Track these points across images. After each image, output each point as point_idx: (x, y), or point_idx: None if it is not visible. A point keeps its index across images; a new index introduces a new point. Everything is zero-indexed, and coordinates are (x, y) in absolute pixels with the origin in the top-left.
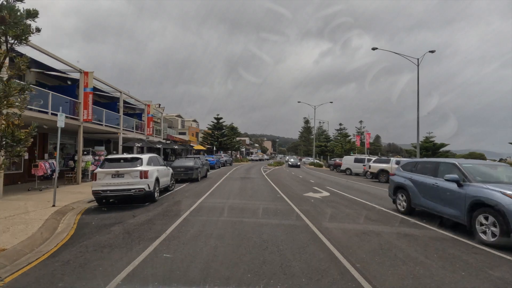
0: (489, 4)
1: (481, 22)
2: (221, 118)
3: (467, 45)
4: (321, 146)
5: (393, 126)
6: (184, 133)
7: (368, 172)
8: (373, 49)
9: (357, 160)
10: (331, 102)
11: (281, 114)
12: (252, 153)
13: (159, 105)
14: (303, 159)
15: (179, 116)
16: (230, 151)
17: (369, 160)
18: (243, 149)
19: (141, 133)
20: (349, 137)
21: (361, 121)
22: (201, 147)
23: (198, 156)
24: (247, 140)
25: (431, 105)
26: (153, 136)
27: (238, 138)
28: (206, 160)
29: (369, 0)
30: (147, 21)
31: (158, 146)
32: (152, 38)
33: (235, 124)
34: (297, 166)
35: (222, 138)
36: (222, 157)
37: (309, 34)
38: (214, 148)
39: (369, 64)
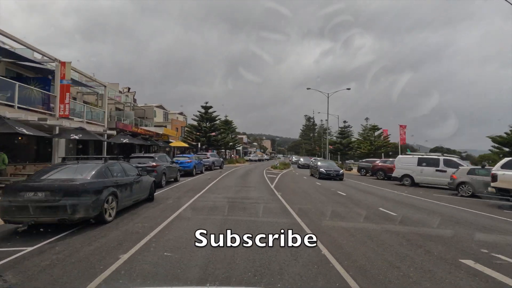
0: (489, 4)
1: (482, 22)
2: (210, 107)
3: (467, 45)
4: (335, 144)
5: (393, 125)
6: (163, 126)
7: (489, 188)
8: None
9: (424, 162)
10: (349, 89)
11: (280, 114)
12: (250, 153)
13: (128, 89)
14: (312, 160)
15: (160, 107)
16: (223, 150)
17: (447, 163)
18: (240, 148)
19: (45, 113)
20: (380, 130)
21: (367, 118)
22: (182, 144)
23: (150, 156)
24: (245, 138)
25: (431, 105)
26: (81, 121)
27: (233, 135)
28: (173, 162)
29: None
30: (148, 20)
31: (74, 136)
32: (153, 37)
33: (233, 121)
34: (338, 177)
35: (212, 133)
36: (208, 157)
37: (309, 34)
38: (199, 145)
39: (369, 63)
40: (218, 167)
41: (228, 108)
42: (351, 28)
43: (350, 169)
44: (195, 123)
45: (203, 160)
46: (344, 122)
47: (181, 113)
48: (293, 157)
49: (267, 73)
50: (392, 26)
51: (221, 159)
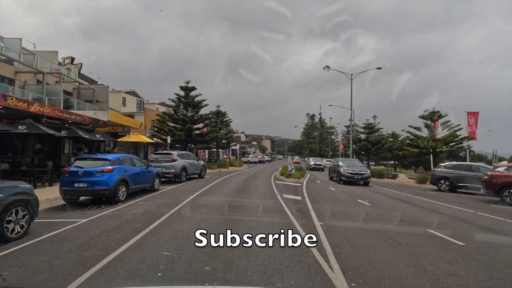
0: (490, 4)
1: (484, 23)
2: (193, 88)
3: (468, 45)
4: (361, 141)
5: (394, 125)
6: (128, 116)
7: None
8: None
9: None
10: (379, 68)
11: (279, 114)
12: (249, 153)
13: (72, 59)
14: (324, 161)
15: (133, 93)
16: (215, 149)
17: None
18: (237, 147)
19: None
20: (445, 119)
21: (375, 116)
22: (144, 139)
23: None
24: (243, 137)
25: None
26: None
27: (225, 131)
28: None
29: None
30: (150, 20)
31: None
32: (154, 37)
33: (227, 112)
34: None
35: (195, 124)
36: (173, 160)
37: (311, 34)
38: (169, 140)
39: (370, 63)
40: (197, 176)
41: (228, 108)
42: (352, 29)
43: (394, 176)
44: (172, 108)
45: (163, 165)
46: (350, 120)
47: (162, 103)
48: (311, 160)
49: (267, 73)
50: (393, 27)
51: (201, 162)
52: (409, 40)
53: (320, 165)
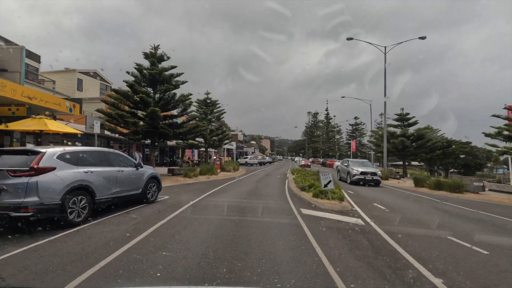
0: (491, 6)
1: (486, 24)
2: (162, 57)
3: (469, 46)
4: (396, 136)
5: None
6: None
7: None
8: None
9: None
10: (424, 37)
11: (279, 114)
12: (247, 153)
13: None
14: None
15: (94, 74)
16: (204, 148)
17: None
18: (233, 147)
19: None
20: None
21: (381, 114)
22: (48, 126)
23: None
24: (240, 136)
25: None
26: None
27: (213, 125)
28: None
29: (373, 1)
30: (151, 20)
31: None
32: (155, 37)
33: (218, 101)
34: None
35: (164, 111)
36: (39, 169)
37: (312, 35)
38: (96, 131)
39: (371, 64)
40: (137, 198)
41: (228, 108)
42: (353, 29)
43: (476, 190)
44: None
45: (4, 183)
46: (356, 118)
47: None
48: (350, 163)
49: (267, 73)
50: (394, 27)
51: (148, 172)
52: (410, 40)
53: (374, 174)
